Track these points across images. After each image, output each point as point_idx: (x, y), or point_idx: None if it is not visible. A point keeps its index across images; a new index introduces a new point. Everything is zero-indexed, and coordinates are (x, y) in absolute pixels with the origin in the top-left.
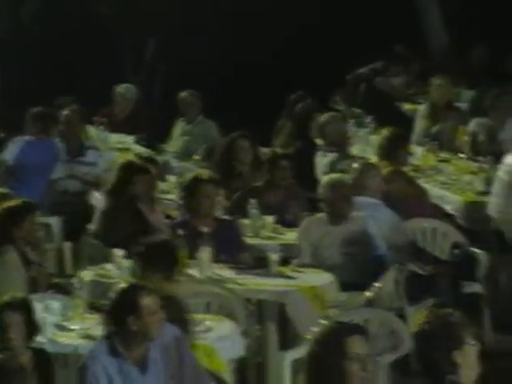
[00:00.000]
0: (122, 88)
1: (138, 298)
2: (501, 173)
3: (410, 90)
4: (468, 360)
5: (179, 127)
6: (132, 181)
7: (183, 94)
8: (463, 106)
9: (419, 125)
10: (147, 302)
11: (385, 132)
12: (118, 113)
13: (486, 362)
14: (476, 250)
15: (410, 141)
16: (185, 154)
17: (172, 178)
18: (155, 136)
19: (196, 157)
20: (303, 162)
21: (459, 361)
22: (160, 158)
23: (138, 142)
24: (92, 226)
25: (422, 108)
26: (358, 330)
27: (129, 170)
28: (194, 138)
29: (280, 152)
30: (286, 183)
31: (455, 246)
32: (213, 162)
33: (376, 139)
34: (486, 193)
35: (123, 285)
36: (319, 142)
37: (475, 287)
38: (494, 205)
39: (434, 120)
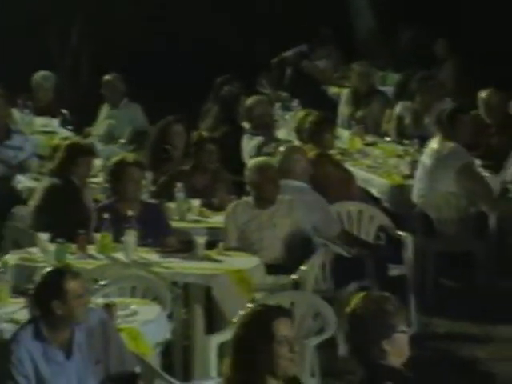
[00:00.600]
0: (39, 77)
1: (63, 281)
2: (424, 157)
3: (336, 73)
4: (397, 347)
5: (104, 111)
6: (76, 162)
7: (107, 78)
8: (389, 89)
9: (344, 109)
10: (72, 285)
11: (310, 115)
12: (39, 100)
13: (413, 346)
14: (401, 233)
15: (336, 124)
16: (110, 138)
17: (97, 162)
18: (82, 119)
19: (121, 140)
20: (230, 146)
21: (388, 348)
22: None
23: (62, 124)
24: (19, 210)
25: (344, 93)
26: (285, 312)
27: (73, 152)
28: (119, 121)
29: (206, 135)
30: (212, 167)
31: (381, 228)
32: (139, 145)
33: (302, 122)
34: (411, 176)
35: (48, 269)
36: (246, 125)
37: (401, 270)
38: (416, 189)
39: (356, 105)
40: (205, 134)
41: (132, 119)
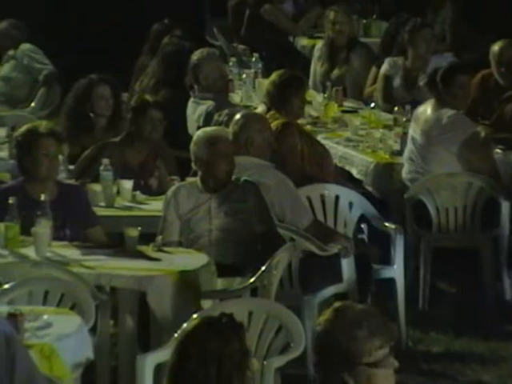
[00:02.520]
0: None
1: None
2: (414, 129)
3: (307, 21)
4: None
5: (2, 63)
6: None
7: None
8: (374, 41)
9: (316, 66)
10: None
11: (274, 75)
12: None
13: (403, 367)
14: (389, 225)
15: (306, 85)
16: (15, 100)
17: (1, 131)
18: None
19: (32, 103)
20: (171, 113)
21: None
22: None
23: None
24: None
25: (318, 46)
26: (239, 327)
27: None
28: (23, 77)
29: (149, 98)
30: (153, 138)
31: (363, 219)
32: (55, 110)
33: (263, 83)
34: (401, 153)
35: None
36: (192, 86)
37: (388, 272)
38: (407, 170)
39: (332, 62)
40: (147, 96)
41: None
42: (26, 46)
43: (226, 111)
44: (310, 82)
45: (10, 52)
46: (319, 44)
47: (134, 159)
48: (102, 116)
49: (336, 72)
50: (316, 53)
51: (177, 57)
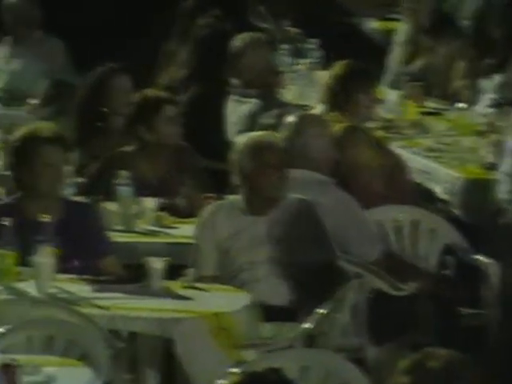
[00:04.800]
0: None
1: None
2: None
3: None
4: None
5: (4, 50)
6: None
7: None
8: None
9: (396, 56)
10: None
11: (336, 66)
12: None
13: None
14: (481, 258)
15: (377, 80)
16: (13, 96)
17: None
18: None
19: (32, 100)
20: (204, 112)
21: None
22: None
23: None
24: None
25: (401, 30)
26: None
27: None
28: (27, 67)
29: (166, 95)
30: (173, 143)
31: (448, 249)
32: (61, 107)
33: (323, 77)
34: (497, 166)
35: None
36: (232, 81)
37: (479, 317)
38: (505, 189)
39: (414, 50)
40: (162, 93)
41: (49, 64)
42: None
43: (274, 112)
44: (385, 76)
45: None
46: (403, 27)
47: (153, 172)
48: (119, 114)
49: (417, 63)
50: (398, 38)
51: (212, 43)
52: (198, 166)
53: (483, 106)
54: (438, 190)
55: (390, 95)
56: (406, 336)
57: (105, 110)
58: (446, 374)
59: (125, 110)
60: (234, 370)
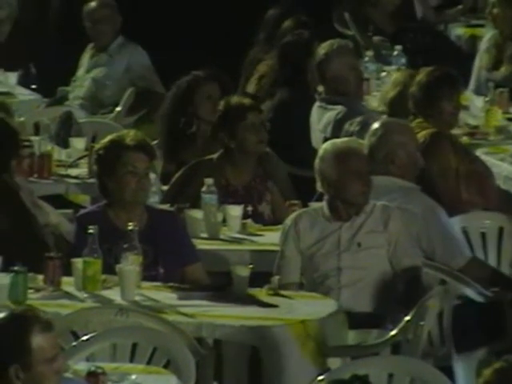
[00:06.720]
0: None
1: (26, 337)
2: None
3: (466, 3)
4: None
5: (86, 57)
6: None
7: (92, 5)
8: None
9: (482, 61)
10: (39, 343)
11: (421, 73)
12: None
13: None
14: None
15: (462, 86)
16: (97, 103)
17: (79, 142)
18: (52, 74)
19: (117, 108)
20: (289, 119)
21: None
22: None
23: (22, 81)
24: None
25: (486, 36)
26: None
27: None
28: (110, 74)
29: (250, 102)
30: (260, 151)
31: None
32: (146, 116)
33: (409, 84)
34: None
35: None
36: (318, 87)
37: None
38: None
39: (502, 55)
40: (247, 100)
41: (132, 71)
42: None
43: (359, 119)
44: (472, 83)
45: None
46: (489, 34)
47: (238, 180)
48: (207, 123)
49: (503, 69)
50: (483, 45)
51: (294, 48)
52: (282, 173)
53: None
54: None
55: (475, 101)
56: (493, 344)
57: (191, 118)
58: None
59: (213, 118)
60: (321, 377)
